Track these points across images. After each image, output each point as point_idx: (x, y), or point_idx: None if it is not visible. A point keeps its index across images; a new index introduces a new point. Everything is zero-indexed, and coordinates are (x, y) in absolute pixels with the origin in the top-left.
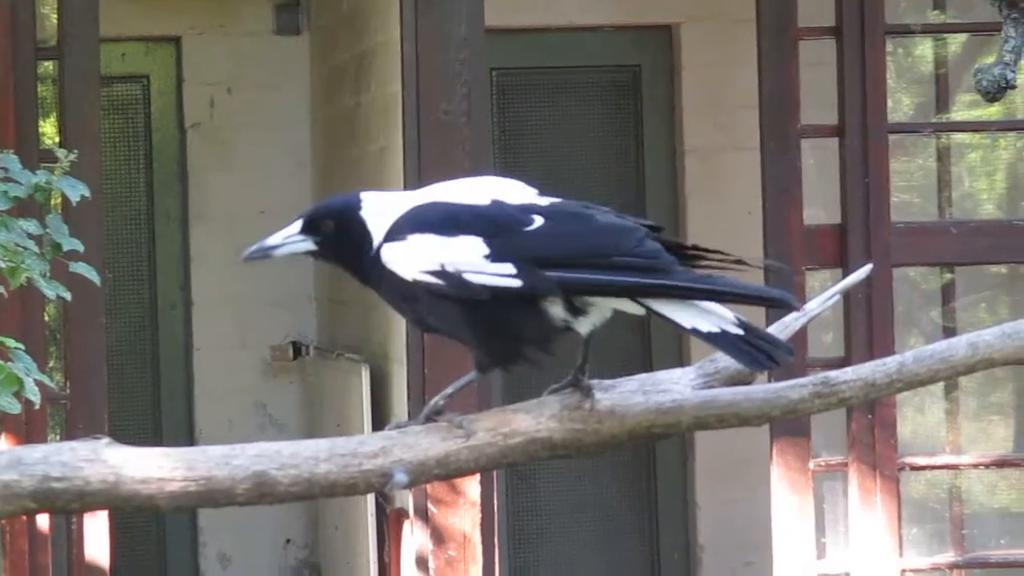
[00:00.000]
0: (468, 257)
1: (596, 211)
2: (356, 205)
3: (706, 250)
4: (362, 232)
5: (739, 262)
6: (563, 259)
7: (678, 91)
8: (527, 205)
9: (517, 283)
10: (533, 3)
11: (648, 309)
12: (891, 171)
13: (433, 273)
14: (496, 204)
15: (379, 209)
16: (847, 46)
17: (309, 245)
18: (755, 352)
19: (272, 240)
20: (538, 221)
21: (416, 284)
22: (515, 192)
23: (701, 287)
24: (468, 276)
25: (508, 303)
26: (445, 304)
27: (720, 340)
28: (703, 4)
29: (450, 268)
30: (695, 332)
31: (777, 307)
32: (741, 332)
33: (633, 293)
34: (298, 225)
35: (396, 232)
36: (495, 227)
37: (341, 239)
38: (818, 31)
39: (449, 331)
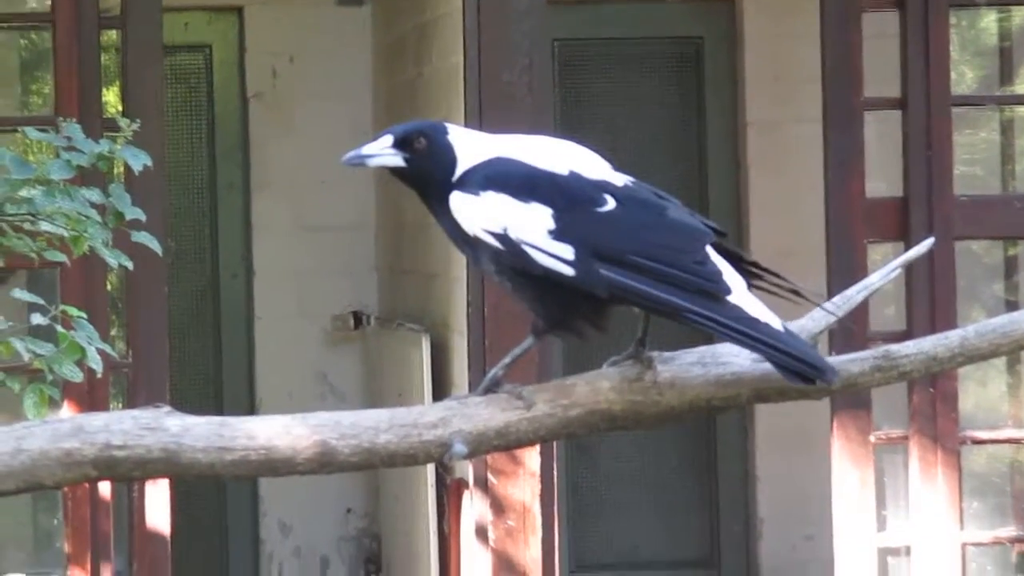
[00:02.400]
0: (532, 229)
1: (668, 203)
2: (444, 129)
3: (765, 270)
4: (450, 156)
5: (794, 292)
6: (623, 255)
7: (740, 63)
8: (602, 182)
9: (570, 271)
10: None
11: None
12: (954, 144)
13: (495, 235)
14: (574, 176)
15: (463, 140)
16: (911, 18)
17: (399, 160)
18: (791, 374)
19: (368, 149)
20: (610, 203)
21: (477, 239)
22: (592, 165)
23: (749, 334)
24: (526, 248)
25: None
26: (502, 264)
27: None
28: None
29: (512, 235)
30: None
31: (818, 379)
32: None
33: (679, 316)
34: (390, 139)
35: (470, 182)
36: (567, 200)
37: (429, 159)
38: (882, 3)
39: (504, 286)
